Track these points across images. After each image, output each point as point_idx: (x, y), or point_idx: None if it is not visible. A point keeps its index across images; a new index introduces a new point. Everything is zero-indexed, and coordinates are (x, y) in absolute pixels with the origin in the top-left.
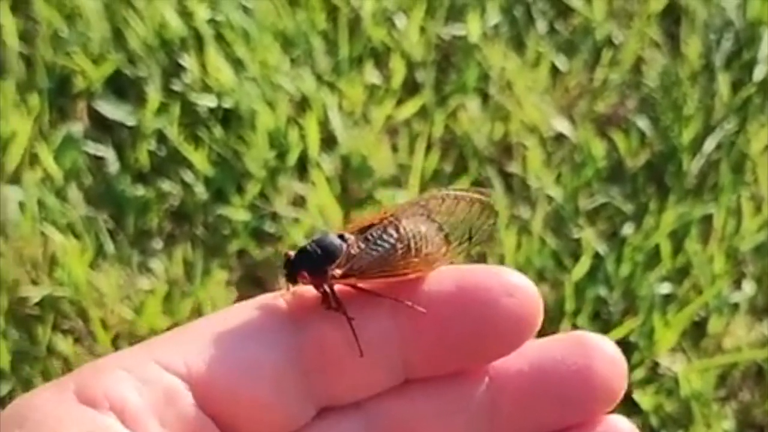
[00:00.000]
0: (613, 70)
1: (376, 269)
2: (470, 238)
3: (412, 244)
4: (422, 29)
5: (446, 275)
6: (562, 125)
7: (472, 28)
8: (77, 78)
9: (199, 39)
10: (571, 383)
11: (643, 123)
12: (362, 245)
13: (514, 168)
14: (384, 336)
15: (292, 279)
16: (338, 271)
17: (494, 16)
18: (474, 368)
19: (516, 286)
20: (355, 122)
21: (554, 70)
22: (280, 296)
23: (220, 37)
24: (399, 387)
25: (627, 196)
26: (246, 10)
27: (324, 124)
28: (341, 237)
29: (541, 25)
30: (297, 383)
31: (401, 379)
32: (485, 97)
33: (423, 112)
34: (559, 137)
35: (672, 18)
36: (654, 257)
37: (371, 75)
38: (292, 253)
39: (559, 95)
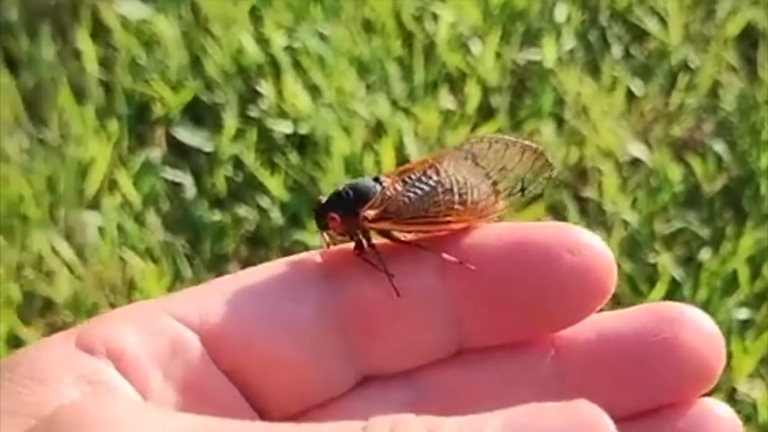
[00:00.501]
0: (690, 94)
1: (415, 214)
2: (523, 190)
3: (455, 189)
4: (497, 54)
5: (501, 230)
6: (637, 150)
7: (547, 53)
8: (156, 104)
9: (275, 66)
10: (655, 356)
11: (719, 147)
12: (399, 187)
13: (589, 193)
14: (430, 295)
15: (323, 223)
16: (371, 212)
17: (569, 41)
18: (536, 338)
19: (584, 244)
20: (430, 147)
21: (630, 95)
22: (317, 253)
23: (296, 64)
24: (452, 357)
25: (704, 220)
26: (322, 36)
27: (399, 150)
28: (376, 179)
29: (617, 50)
30: (333, 344)
31: (454, 347)
32: (560, 121)
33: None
34: (635, 162)
35: (749, 41)
36: (731, 282)
37: (446, 100)
38: (323, 198)
39: (635, 120)
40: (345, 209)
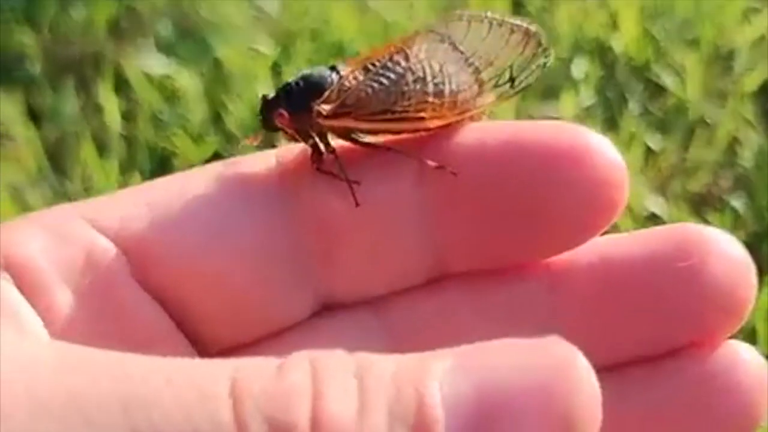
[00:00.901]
0: (707, 150)
1: (379, 108)
2: (512, 79)
3: (429, 77)
4: (516, 109)
5: (489, 129)
6: (655, 204)
7: (565, 108)
8: (177, 158)
9: None
10: (674, 286)
11: (737, 202)
12: (360, 77)
13: None
14: (402, 209)
15: (269, 123)
16: (326, 107)
17: (588, 97)
18: (529, 263)
19: (590, 147)
20: None
21: (647, 150)
22: (273, 155)
23: None
24: (428, 284)
25: None
26: None
27: None
28: (333, 68)
29: (634, 106)
30: (286, 264)
31: (430, 272)
32: None
33: None
34: (653, 216)
35: (767, 98)
36: (750, 338)
37: None
38: (270, 93)
39: (653, 175)
40: (295, 104)
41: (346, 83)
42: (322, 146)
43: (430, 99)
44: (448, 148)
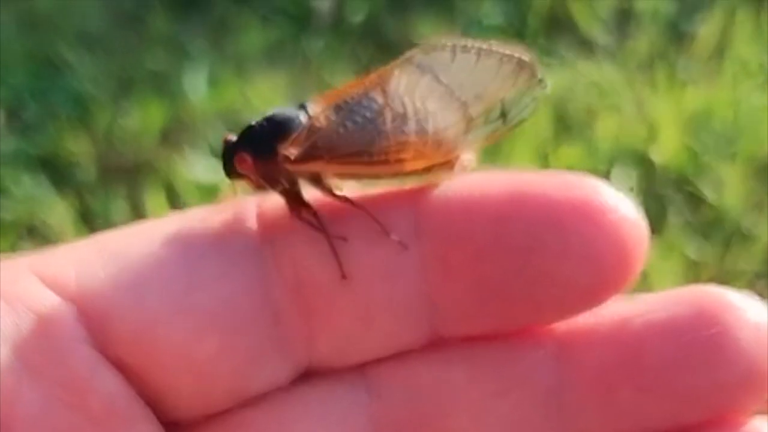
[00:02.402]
0: (746, 260)
1: (355, 149)
2: (504, 115)
3: (409, 114)
4: None
5: (490, 181)
6: None
7: None
8: None
9: None
10: (695, 357)
11: None
12: (332, 116)
13: None
14: (394, 267)
15: (230, 168)
16: (294, 150)
17: None
18: (533, 328)
19: (606, 203)
20: None
21: (687, 259)
22: (251, 205)
23: None
24: (420, 349)
25: None
26: None
27: None
28: (302, 107)
29: (674, 217)
30: (262, 329)
31: (423, 336)
32: None
33: None
34: None
35: None
36: None
37: None
38: (233, 136)
39: (692, 283)
40: (259, 147)
41: (317, 123)
42: (294, 193)
43: (412, 139)
44: (443, 201)
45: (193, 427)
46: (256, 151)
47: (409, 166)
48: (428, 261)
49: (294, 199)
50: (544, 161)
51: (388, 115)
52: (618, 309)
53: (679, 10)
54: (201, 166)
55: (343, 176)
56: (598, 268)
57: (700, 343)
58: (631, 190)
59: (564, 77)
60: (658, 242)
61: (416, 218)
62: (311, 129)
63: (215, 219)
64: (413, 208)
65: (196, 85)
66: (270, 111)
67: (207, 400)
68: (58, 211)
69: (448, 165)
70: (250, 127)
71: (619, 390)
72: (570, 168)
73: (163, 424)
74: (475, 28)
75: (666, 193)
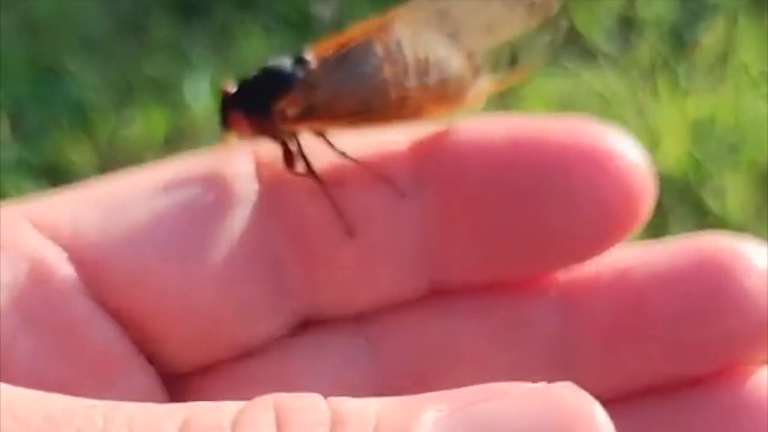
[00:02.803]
0: None
1: (354, 106)
2: (514, 60)
3: (411, 65)
4: None
5: (493, 126)
6: None
7: None
8: None
9: None
10: (702, 304)
11: None
12: (331, 72)
13: None
14: (394, 215)
15: (226, 122)
16: (291, 110)
17: None
18: (537, 276)
19: (611, 147)
20: None
21: None
22: (247, 152)
23: None
24: (422, 298)
25: None
26: None
27: None
28: (299, 60)
29: (676, 225)
30: (263, 276)
31: (425, 285)
32: None
33: None
34: None
35: None
36: None
37: None
38: (231, 89)
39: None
40: (254, 105)
41: (314, 79)
42: (293, 147)
43: (413, 93)
44: (443, 148)
45: (192, 378)
46: (251, 109)
47: (410, 119)
48: (428, 209)
49: (291, 153)
50: None
51: (389, 69)
52: (622, 257)
53: (681, 18)
54: None
55: (343, 129)
56: (603, 214)
57: (705, 291)
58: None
59: (567, 86)
60: None
61: (416, 166)
62: (309, 86)
63: (213, 165)
64: (413, 157)
65: (197, 92)
66: (266, 63)
67: (205, 349)
68: None
69: (452, 114)
70: (245, 82)
71: (622, 340)
72: None
73: (161, 375)
74: None
75: (669, 201)
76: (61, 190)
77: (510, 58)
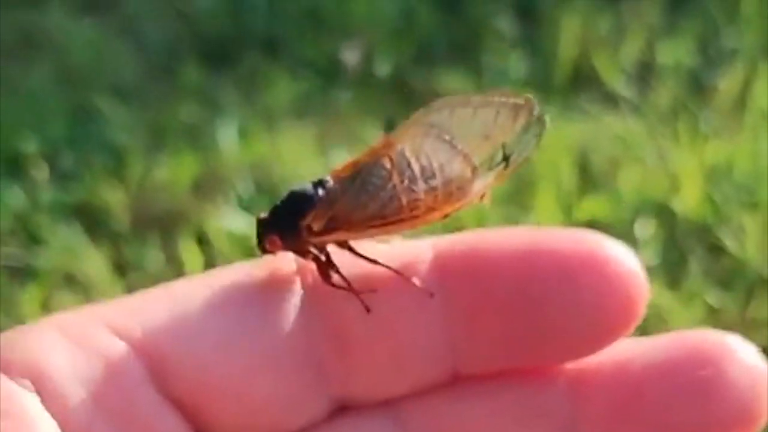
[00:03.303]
0: (767, 307)
1: (371, 216)
2: (506, 157)
3: (417, 174)
4: None
5: (505, 235)
6: None
7: None
8: None
9: None
10: (687, 398)
11: None
12: (348, 188)
13: None
14: (420, 315)
15: (263, 247)
16: (315, 225)
17: (650, 257)
18: (547, 367)
19: (610, 256)
20: None
21: (708, 307)
22: (288, 261)
23: None
24: (444, 384)
25: None
26: None
27: None
28: (319, 183)
29: (696, 266)
30: (304, 368)
31: (447, 372)
32: (642, 330)
33: None
34: None
35: None
36: None
37: None
38: (264, 214)
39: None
40: (284, 226)
41: (333, 196)
42: (323, 258)
43: (422, 196)
44: (463, 255)
45: None
46: (282, 231)
47: (423, 220)
48: (451, 310)
49: (324, 264)
50: (567, 213)
51: (397, 179)
52: (623, 349)
53: (701, 64)
54: (232, 217)
55: (364, 238)
56: (604, 317)
57: (694, 382)
58: (650, 238)
59: (588, 130)
60: (679, 291)
61: (439, 270)
62: (329, 202)
63: (261, 273)
64: (436, 260)
65: (227, 136)
66: (291, 188)
67: None
68: (93, 260)
69: (458, 210)
70: (275, 208)
71: (623, 424)
72: (594, 219)
73: None
74: (499, 81)
75: (688, 243)
76: (131, 294)
77: (502, 155)
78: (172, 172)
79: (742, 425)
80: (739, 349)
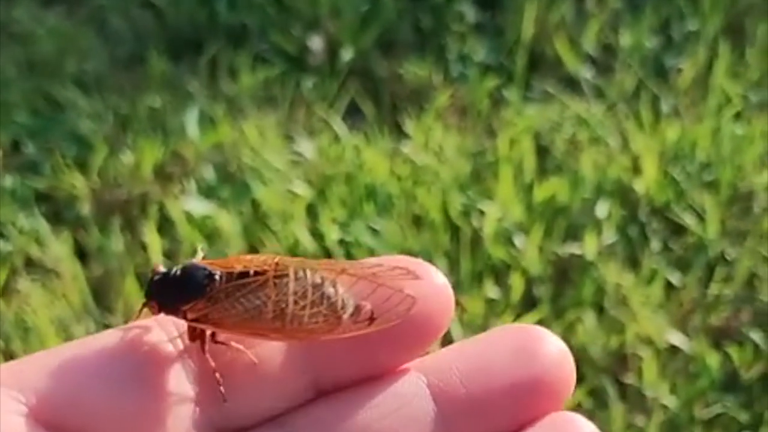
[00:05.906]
0: (727, 286)
1: (239, 325)
2: (372, 318)
3: (288, 310)
4: (540, 248)
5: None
6: (676, 338)
7: (588, 246)
8: None
9: (329, 258)
10: (520, 385)
11: (756, 336)
12: (230, 292)
13: (629, 378)
14: (279, 354)
15: (148, 303)
16: (191, 315)
17: (610, 236)
18: (394, 367)
19: (423, 274)
20: (474, 332)
21: (668, 286)
22: (160, 321)
23: (349, 256)
24: (315, 398)
25: (742, 405)
26: (374, 231)
27: (445, 335)
28: (210, 275)
29: (656, 244)
30: (185, 407)
31: (312, 391)
32: (601, 311)
33: (540, 325)
34: (674, 349)
35: None
36: None
37: (491, 290)
38: (161, 269)
39: (674, 309)
40: (166, 301)
41: (216, 296)
42: (197, 330)
43: (286, 328)
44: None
45: None
46: (164, 304)
47: (279, 340)
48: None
49: (194, 330)
50: (528, 194)
51: (271, 307)
52: (464, 348)
53: (661, 45)
54: (195, 200)
55: (233, 335)
56: (424, 329)
57: (524, 371)
58: (610, 217)
59: (549, 112)
60: (640, 270)
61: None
62: (211, 300)
63: (141, 334)
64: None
65: (190, 123)
66: (185, 265)
67: None
68: (54, 246)
69: (312, 339)
70: (164, 280)
71: (477, 406)
72: (554, 199)
73: None
74: (462, 66)
75: (649, 222)
76: (29, 355)
77: (369, 315)
78: (136, 159)
79: (557, 397)
80: (550, 338)
